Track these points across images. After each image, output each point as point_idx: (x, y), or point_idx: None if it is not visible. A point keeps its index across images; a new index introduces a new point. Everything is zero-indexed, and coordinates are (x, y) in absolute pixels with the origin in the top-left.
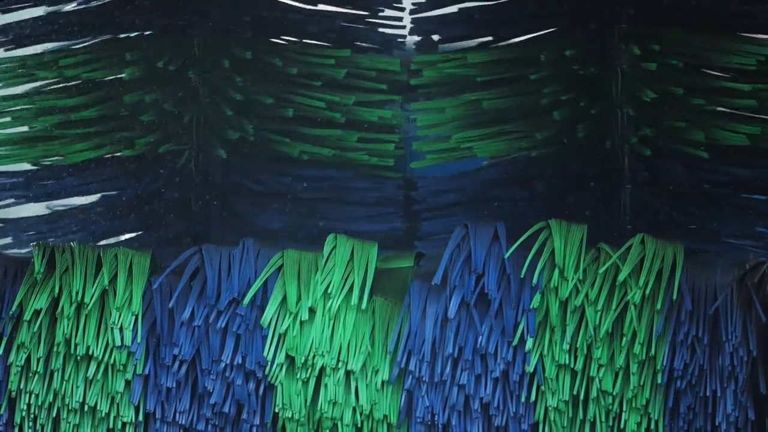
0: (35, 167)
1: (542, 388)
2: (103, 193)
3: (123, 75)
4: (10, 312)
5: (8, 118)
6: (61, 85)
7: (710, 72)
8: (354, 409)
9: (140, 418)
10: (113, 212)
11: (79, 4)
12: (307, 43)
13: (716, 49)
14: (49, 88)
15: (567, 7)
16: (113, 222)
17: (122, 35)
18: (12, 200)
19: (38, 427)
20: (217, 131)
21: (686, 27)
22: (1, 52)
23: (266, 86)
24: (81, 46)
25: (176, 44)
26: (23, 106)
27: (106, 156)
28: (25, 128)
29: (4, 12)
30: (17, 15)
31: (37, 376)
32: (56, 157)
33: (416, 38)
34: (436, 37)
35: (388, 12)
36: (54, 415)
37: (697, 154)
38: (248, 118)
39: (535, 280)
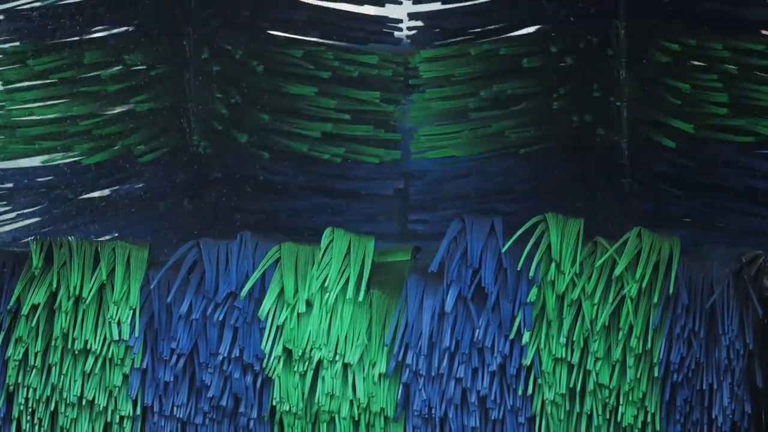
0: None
1: (539, 381)
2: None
3: (115, 71)
4: (8, 306)
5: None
6: (47, 81)
7: (707, 65)
8: (351, 402)
9: (138, 411)
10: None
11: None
12: (306, 38)
13: (717, 42)
14: (32, 85)
15: (565, 1)
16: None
17: (113, 31)
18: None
19: (36, 421)
20: (213, 128)
21: (688, 19)
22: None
23: (264, 82)
24: (71, 41)
25: (169, 41)
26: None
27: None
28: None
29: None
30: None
31: (34, 370)
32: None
33: (414, 33)
34: (434, 32)
35: (387, 7)
36: (52, 409)
37: (692, 148)
38: (246, 114)
39: (531, 274)
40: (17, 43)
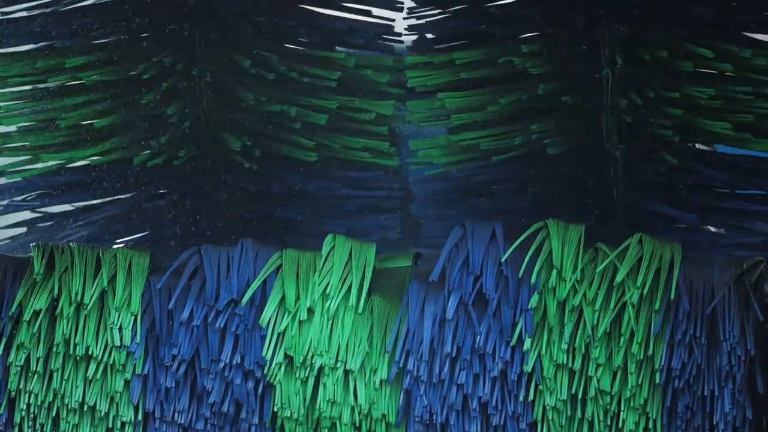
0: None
1: (540, 387)
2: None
3: (124, 77)
4: (10, 312)
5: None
6: (65, 84)
7: (705, 71)
8: (352, 409)
9: (139, 417)
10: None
11: (79, 3)
12: (305, 43)
13: (709, 47)
14: (52, 87)
15: (557, 8)
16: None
17: (117, 37)
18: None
19: (38, 426)
20: (217, 133)
21: (677, 26)
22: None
23: (264, 88)
24: (87, 45)
25: (178, 47)
26: (28, 105)
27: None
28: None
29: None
30: (25, 12)
31: (36, 375)
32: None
33: (412, 38)
34: (430, 37)
35: (384, 12)
36: (53, 414)
37: (690, 152)
38: (247, 118)
39: (533, 280)
40: (45, 43)
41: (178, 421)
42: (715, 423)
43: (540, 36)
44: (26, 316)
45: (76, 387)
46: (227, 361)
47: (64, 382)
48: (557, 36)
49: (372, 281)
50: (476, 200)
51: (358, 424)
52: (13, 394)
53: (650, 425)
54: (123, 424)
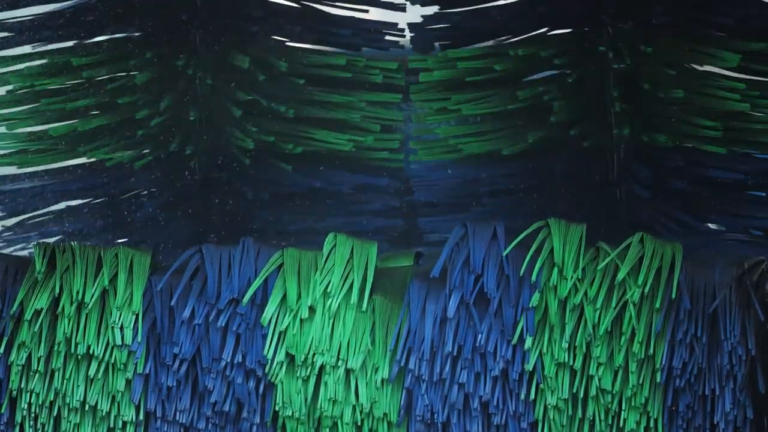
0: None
1: (541, 386)
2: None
3: (125, 76)
4: (11, 311)
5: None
6: (65, 84)
7: (704, 70)
8: (354, 408)
9: (141, 416)
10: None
11: (74, 4)
12: (307, 43)
13: (705, 47)
14: (53, 88)
15: (560, 10)
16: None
17: (120, 35)
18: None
19: (39, 426)
20: (221, 132)
21: (676, 26)
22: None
23: (266, 88)
24: (85, 44)
25: (179, 45)
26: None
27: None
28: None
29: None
30: (23, 11)
31: (37, 375)
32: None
33: (414, 39)
34: (433, 38)
35: (386, 12)
36: (55, 414)
37: (691, 152)
38: (251, 119)
39: (534, 279)
40: (58, 45)
41: (180, 421)
42: (715, 422)
43: (539, 37)
44: (27, 316)
45: (78, 386)
46: (228, 360)
47: (65, 381)
48: (561, 37)
49: (373, 280)
50: (477, 199)
51: (359, 423)
52: (14, 393)
53: (651, 424)
54: (124, 423)
